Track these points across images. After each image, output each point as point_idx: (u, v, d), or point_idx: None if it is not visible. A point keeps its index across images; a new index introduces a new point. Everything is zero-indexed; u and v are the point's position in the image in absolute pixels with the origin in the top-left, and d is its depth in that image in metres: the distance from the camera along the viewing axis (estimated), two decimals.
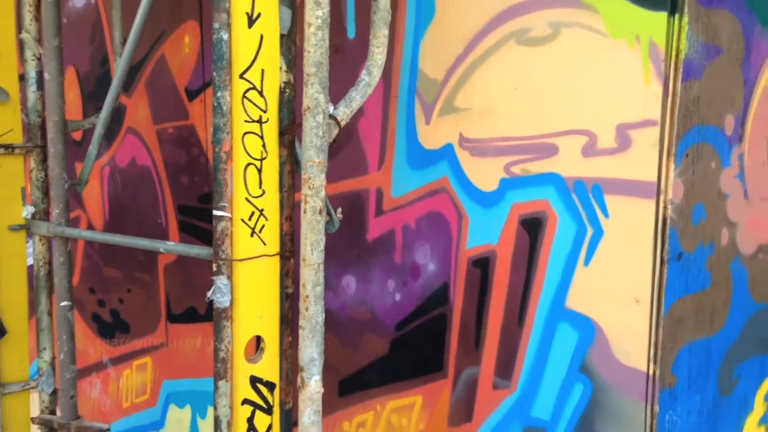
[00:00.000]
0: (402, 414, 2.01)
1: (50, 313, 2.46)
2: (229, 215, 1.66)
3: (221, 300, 1.68)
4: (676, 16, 1.45)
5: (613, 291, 1.58)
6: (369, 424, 2.10)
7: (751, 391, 1.88)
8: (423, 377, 1.95)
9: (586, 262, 1.62)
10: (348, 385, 2.14)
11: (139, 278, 2.78)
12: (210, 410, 2.60)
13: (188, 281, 2.60)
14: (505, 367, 1.77)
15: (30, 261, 2.46)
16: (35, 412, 2.50)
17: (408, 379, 1.99)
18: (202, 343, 2.60)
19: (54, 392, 2.51)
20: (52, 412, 2.52)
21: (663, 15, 1.45)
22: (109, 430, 2.47)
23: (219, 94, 1.59)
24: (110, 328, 2.95)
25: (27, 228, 2.40)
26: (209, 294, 1.68)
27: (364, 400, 2.10)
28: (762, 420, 1.96)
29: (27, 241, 2.44)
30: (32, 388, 2.50)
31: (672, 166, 1.48)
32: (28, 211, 2.39)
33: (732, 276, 1.72)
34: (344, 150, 2.03)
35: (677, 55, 1.45)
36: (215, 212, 1.66)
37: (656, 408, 1.54)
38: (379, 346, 2.04)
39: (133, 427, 2.92)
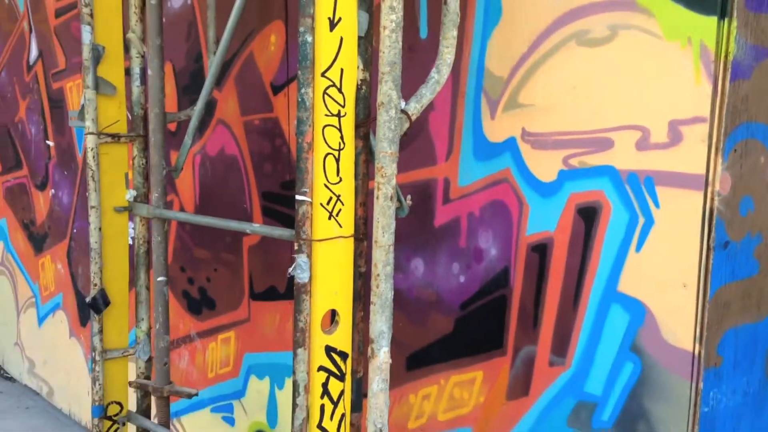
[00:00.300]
0: (464, 388, 2.16)
1: (148, 288, 2.72)
2: (310, 200, 1.84)
3: (301, 276, 1.87)
4: (726, 20, 1.54)
5: (662, 276, 1.69)
6: (433, 396, 2.26)
7: None
8: (484, 354, 2.10)
9: (638, 248, 1.73)
10: (415, 360, 2.30)
11: (225, 259, 3.02)
12: (287, 381, 2.81)
13: (270, 262, 2.81)
14: (561, 346, 1.91)
15: (130, 240, 2.73)
16: (132, 377, 2.78)
17: (470, 356, 2.14)
18: (280, 320, 2.81)
19: (149, 360, 2.77)
20: (147, 378, 2.78)
21: (713, 19, 1.55)
22: (197, 394, 2.71)
23: (303, 90, 1.77)
24: (198, 304, 3.20)
25: (129, 210, 2.66)
26: (290, 270, 1.87)
27: (429, 375, 2.26)
28: None
29: (129, 222, 2.71)
30: (130, 355, 2.77)
31: (720, 160, 1.58)
32: (130, 194, 2.65)
33: None
34: (415, 142, 2.19)
35: (726, 57, 1.55)
36: (297, 197, 1.84)
37: (701, 385, 1.65)
38: (444, 325, 2.20)
39: (217, 396, 3.17)
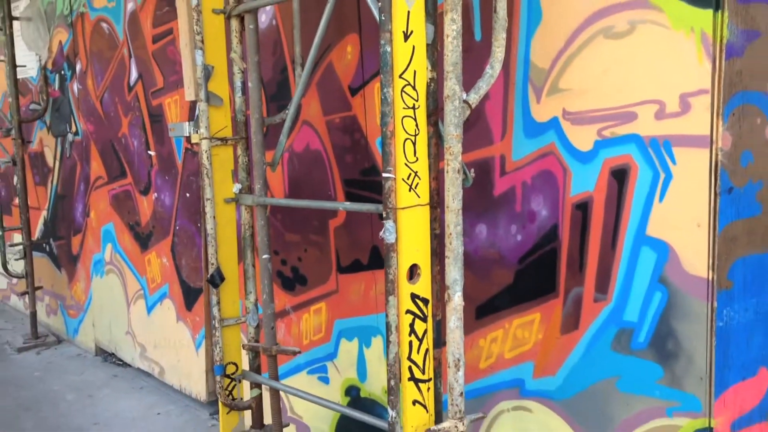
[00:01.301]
0: (525, 329, 2.60)
1: (254, 265, 3.21)
2: (394, 176, 2.30)
3: (389, 237, 2.33)
4: (720, 11, 1.95)
5: (681, 219, 2.10)
6: (500, 339, 2.70)
7: None
8: (540, 298, 2.53)
9: (660, 199, 2.14)
10: (482, 310, 2.74)
11: (313, 240, 3.52)
12: (373, 340, 3.28)
13: (353, 239, 3.29)
14: (603, 284, 2.33)
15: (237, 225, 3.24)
16: (244, 341, 3.29)
17: (528, 301, 2.57)
18: (365, 288, 3.29)
19: (257, 326, 3.28)
20: (257, 341, 3.29)
21: (710, 11, 1.96)
22: (300, 352, 3.21)
23: (385, 90, 2.23)
24: (291, 281, 3.71)
25: (236, 200, 3.17)
26: (381, 233, 2.33)
27: (495, 321, 2.70)
28: None
29: (236, 211, 3.22)
30: (242, 322, 3.28)
31: (721, 122, 1.99)
32: (237, 187, 3.15)
33: None
34: (475, 126, 2.64)
35: (721, 41, 1.96)
36: (384, 174, 2.30)
37: (715, 305, 2.05)
38: (506, 277, 2.63)
39: (312, 360, 3.66)
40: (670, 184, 2.11)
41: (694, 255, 2.08)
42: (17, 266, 6.20)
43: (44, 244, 6.27)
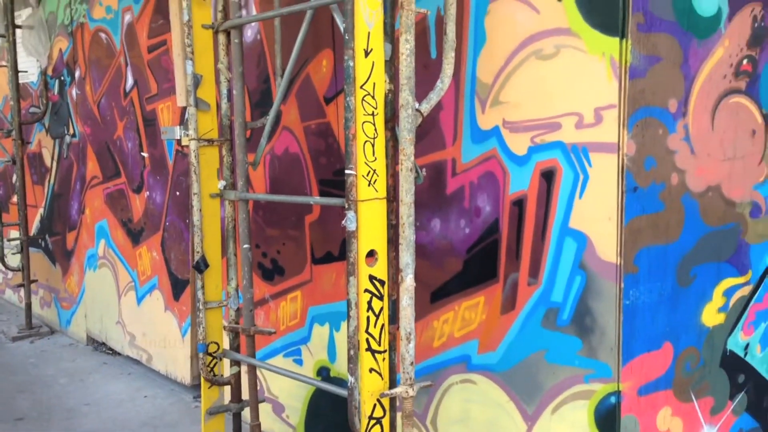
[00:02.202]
0: (471, 310, 2.96)
1: (235, 254, 3.56)
2: (355, 173, 2.66)
3: (350, 226, 2.69)
4: (625, 40, 2.34)
5: (596, 213, 2.48)
6: (450, 320, 3.06)
7: (709, 287, 2.71)
8: (484, 283, 2.89)
9: (580, 196, 2.52)
10: (436, 295, 3.11)
11: (291, 234, 3.88)
12: (342, 324, 3.63)
13: (326, 233, 3.65)
14: (534, 270, 2.70)
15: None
16: (225, 323, 3.63)
17: (474, 286, 2.93)
18: (335, 277, 3.65)
19: (237, 309, 3.63)
20: (237, 323, 3.64)
21: (617, 39, 2.35)
22: (275, 332, 3.56)
23: (348, 98, 2.60)
24: (271, 272, 4.07)
25: (221, 196, 3.52)
26: (343, 222, 2.69)
27: (446, 304, 3.07)
28: (721, 309, 2.77)
29: (220, 205, 3.57)
30: (224, 305, 3.63)
31: (626, 132, 2.37)
32: (221, 184, 3.50)
33: (684, 206, 2.57)
34: (431, 133, 3.01)
35: (626, 64, 2.34)
36: (347, 171, 2.67)
37: (622, 285, 2.43)
38: (456, 265, 3.00)
39: (288, 344, 4.01)
40: (588, 183, 2.49)
41: (606, 244, 2.46)
42: (14, 260, 6.52)
43: (40, 240, 6.60)
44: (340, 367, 3.68)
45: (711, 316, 2.75)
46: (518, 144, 2.70)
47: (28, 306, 6.35)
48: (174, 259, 4.86)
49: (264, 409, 3.95)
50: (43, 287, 6.66)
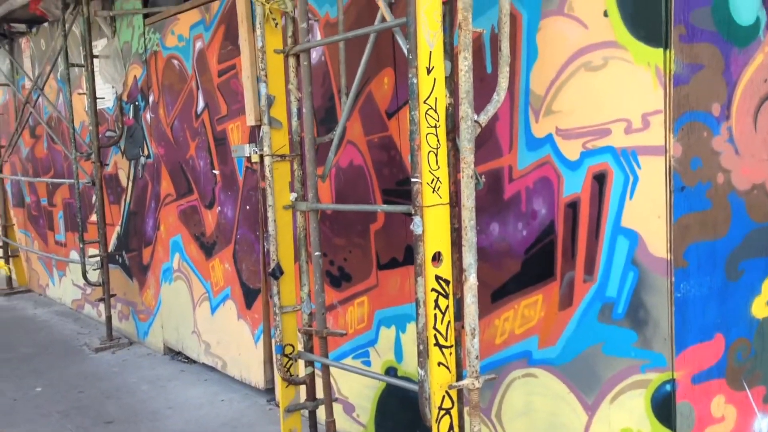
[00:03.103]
0: (530, 308, 3.15)
1: (307, 261, 3.83)
2: (420, 181, 2.89)
3: (417, 230, 2.92)
4: (668, 50, 2.52)
5: (646, 212, 2.65)
6: (511, 318, 3.26)
7: (757, 280, 2.85)
8: (541, 282, 3.09)
9: (631, 197, 2.70)
10: (496, 295, 3.31)
11: (357, 242, 4.13)
12: (408, 326, 3.86)
13: (390, 240, 3.89)
14: (589, 268, 2.88)
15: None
16: (300, 325, 3.89)
17: (533, 285, 3.13)
18: (400, 282, 3.88)
19: (310, 313, 3.89)
20: (310, 326, 3.89)
21: (661, 50, 2.54)
22: (346, 333, 3.80)
23: (413, 113, 2.83)
24: (338, 279, 4.32)
25: (293, 207, 3.79)
26: (411, 226, 2.92)
27: (507, 303, 3.27)
28: None
29: (293, 216, 3.84)
30: (298, 310, 3.89)
31: (672, 135, 2.55)
32: (293, 196, 3.77)
33: (730, 203, 2.72)
34: (488, 142, 3.23)
35: (670, 72, 2.53)
36: (413, 180, 2.89)
37: (672, 279, 2.59)
38: (514, 266, 3.20)
39: (356, 347, 4.25)
40: (638, 184, 2.67)
41: (657, 241, 2.63)
42: (93, 276, 6.94)
43: (117, 256, 7.01)
44: (407, 367, 3.90)
45: (761, 308, 2.89)
46: (571, 150, 2.89)
47: (109, 319, 6.74)
48: (245, 270, 5.16)
49: (335, 409, 4.18)
50: (121, 301, 7.06)
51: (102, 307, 6.85)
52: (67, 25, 6.53)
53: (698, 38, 2.58)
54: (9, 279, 9.38)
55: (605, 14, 2.72)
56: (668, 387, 2.65)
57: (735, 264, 2.77)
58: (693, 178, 2.62)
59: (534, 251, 3.10)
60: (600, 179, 2.80)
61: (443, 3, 2.79)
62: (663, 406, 2.68)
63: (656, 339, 2.67)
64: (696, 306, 2.67)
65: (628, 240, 2.72)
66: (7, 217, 9.37)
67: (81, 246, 6.77)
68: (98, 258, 6.72)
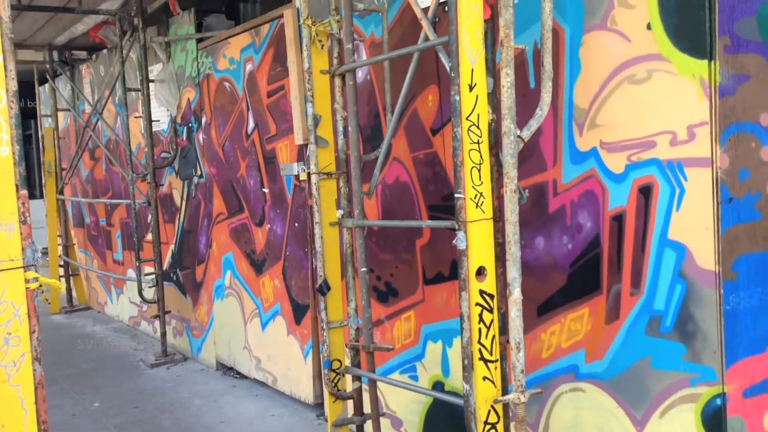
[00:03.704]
0: (577, 322, 3.14)
1: (354, 277, 3.89)
2: (463, 196, 2.92)
3: (461, 245, 2.94)
4: (713, 62, 2.51)
5: (693, 224, 2.63)
6: (557, 332, 3.25)
7: None
8: (588, 296, 3.07)
9: (677, 209, 2.68)
10: (543, 309, 3.30)
11: (403, 257, 4.17)
12: (454, 341, 3.87)
13: (436, 255, 3.92)
14: (636, 281, 2.86)
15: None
16: (347, 340, 3.94)
17: (579, 298, 3.11)
18: (446, 296, 3.89)
19: (357, 328, 3.93)
20: (357, 341, 3.94)
21: (705, 61, 2.52)
22: (393, 348, 3.83)
23: (455, 129, 2.87)
24: (385, 294, 4.36)
25: (339, 223, 3.86)
26: (454, 241, 2.94)
27: (553, 317, 3.26)
28: None
29: (339, 232, 3.91)
30: (345, 325, 3.94)
31: (718, 147, 2.52)
32: (340, 213, 3.84)
33: None
34: (532, 157, 3.24)
35: (715, 83, 2.51)
36: (456, 195, 2.93)
37: (721, 292, 2.55)
38: (560, 280, 3.19)
39: (403, 361, 4.27)
40: (684, 196, 2.65)
41: (704, 253, 2.60)
42: (149, 293, 7.12)
43: (172, 274, 7.19)
44: (453, 381, 3.90)
45: None
46: (615, 163, 2.89)
47: (163, 335, 6.91)
48: (294, 286, 5.25)
49: (383, 423, 4.21)
50: (176, 318, 7.23)
51: (157, 323, 7.02)
52: (124, 52, 6.77)
53: (744, 49, 2.56)
54: (69, 297, 9.69)
55: (648, 27, 2.72)
56: (719, 401, 2.61)
57: None
58: (741, 190, 2.58)
59: (579, 264, 3.09)
60: (645, 192, 2.78)
61: (485, 21, 2.83)
62: (713, 421, 2.63)
63: (705, 352, 2.63)
64: (746, 318, 2.63)
65: (675, 252, 2.70)
66: (68, 237, 9.69)
67: (137, 264, 6.97)
68: (153, 276, 6.90)
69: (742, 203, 2.59)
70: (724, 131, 2.53)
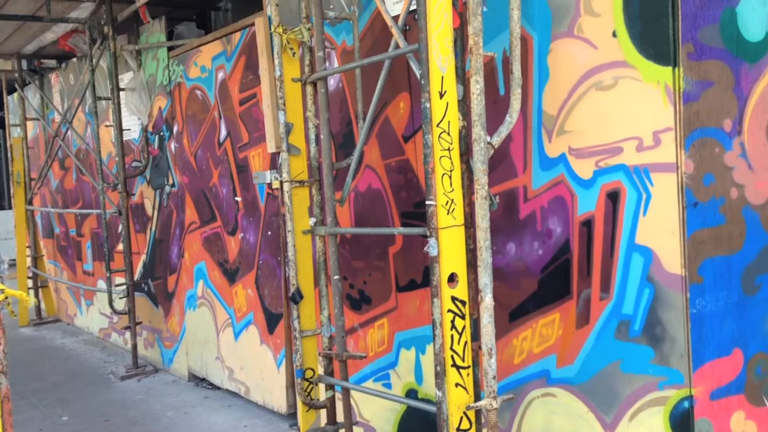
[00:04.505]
0: (548, 327, 3.16)
1: (326, 285, 3.88)
2: (435, 203, 2.93)
3: (433, 252, 2.95)
4: (677, 68, 2.55)
5: (660, 228, 2.66)
6: (529, 337, 3.27)
7: None
8: (559, 301, 3.09)
9: (644, 213, 2.71)
10: (514, 314, 3.32)
11: (376, 265, 4.17)
12: (427, 348, 3.87)
13: (409, 262, 3.92)
14: (605, 285, 2.89)
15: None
16: (320, 349, 3.92)
17: (550, 304, 3.14)
18: (419, 303, 3.90)
19: (330, 337, 3.92)
20: (330, 350, 3.93)
21: (670, 68, 2.57)
22: (366, 356, 3.82)
23: (426, 136, 2.88)
24: (358, 302, 4.36)
25: (312, 231, 3.85)
26: (426, 248, 2.96)
27: (525, 323, 3.28)
28: None
29: (312, 240, 3.90)
30: (318, 333, 3.93)
31: (683, 152, 2.57)
32: (312, 221, 3.84)
33: (745, 218, 2.72)
34: (501, 164, 3.26)
35: (679, 90, 2.55)
36: (427, 202, 2.94)
37: (688, 296, 2.59)
38: (531, 285, 3.21)
39: (377, 369, 4.27)
40: (651, 201, 2.69)
41: (671, 257, 2.64)
42: (119, 304, 7.04)
43: (143, 284, 7.11)
44: (427, 389, 3.90)
45: None
46: (584, 169, 2.92)
47: (134, 347, 6.82)
48: (268, 295, 5.22)
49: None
50: (147, 329, 7.15)
51: (128, 335, 6.94)
52: (94, 60, 6.71)
53: (707, 55, 2.60)
54: (38, 309, 9.54)
55: (614, 35, 2.76)
56: (686, 404, 2.64)
57: (752, 278, 2.77)
58: (706, 194, 2.63)
59: (550, 270, 3.12)
60: (613, 197, 2.82)
61: (454, 28, 2.86)
62: (682, 423, 2.66)
63: (673, 355, 2.67)
64: (713, 321, 2.67)
65: (642, 257, 2.73)
66: (37, 248, 9.55)
67: (108, 275, 6.89)
68: (124, 286, 6.82)
69: (706, 207, 2.63)
70: (688, 137, 2.58)
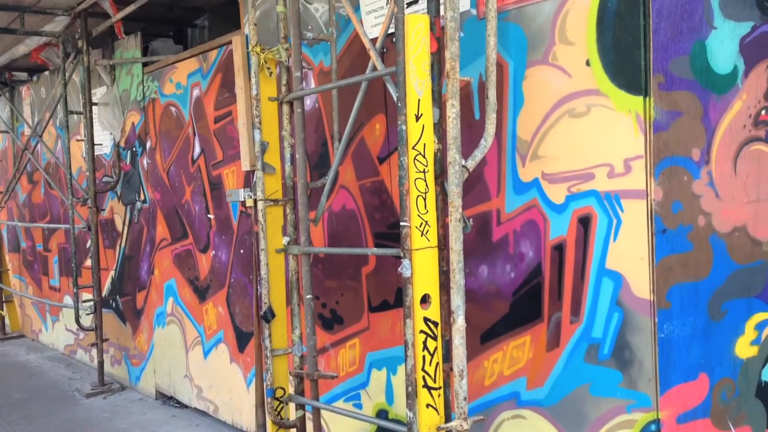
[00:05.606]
0: (519, 349, 3.19)
1: (299, 305, 3.88)
2: (409, 225, 2.96)
3: (406, 273, 2.97)
4: (648, 98, 2.62)
5: (629, 254, 2.71)
6: (500, 359, 3.29)
7: (741, 321, 2.90)
8: (529, 323, 3.13)
9: (614, 239, 2.77)
10: (485, 336, 3.34)
11: (349, 285, 4.17)
12: (399, 368, 3.88)
13: (382, 282, 3.94)
14: (576, 309, 2.93)
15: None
16: (291, 368, 3.91)
17: (521, 326, 3.17)
18: (391, 324, 3.91)
19: (302, 356, 3.91)
20: (301, 369, 3.91)
21: (641, 97, 2.63)
22: (337, 376, 3.81)
23: (402, 158, 2.91)
24: (330, 322, 4.35)
25: (285, 251, 3.86)
26: (399, 269, 2.97)
27: (496, 345, 3.30)
28: (753, 342, 2.95)
29: (285, 259, 3.90)
30: (289, 353, 3.92)
31: (653, 180, 2.63)
32: (286, 240, 3.84)
33: (712, 246, 2.79)
34: (476, 187, 3.31)
35: (650, 119, 2.62)
36: (401, 223, 2.96)
37: (656, 320, 2.64)
38: (503, 308, 3.25)
39: (348, 389, 4.26)
40: (621, 227, 2.74)
41: (640, 282, 2.69)
42: (86, 321, 6.94)
43: (111, 301, 7.02)
44: (397, 409, 3.90)
45: (744, 348, 2.93)
46: (556, 194, 2.97)
47: (101, 364, 6.72)
48: (239, 314, 5.19)
49: None
50: (114, 346, 7.05)
51: (94, 352, 6.84)
52: (67, 74, 6.67)
53: (677, 86, 2.68)
54: (2, 324, 9.36)
55: (587, 63, 2.82)
56: (653, 427, 2.68)
57: (718, 304, 2.83)
58: (674, 221, 2.69)
59: (522, 293, 3.15)
60: (585, 222, 2.87)
61: (432, 53, 2.90)
62: None
63: (641, 379, 2.71)
64: (680, 346, 2.72)
65: (612, 281, 2.78)
66: (2, 263, 9.38)
67: (75, 290, 6.79)
68: (92, 302, 6.73)
69: (675, 234, 2.69)
70: (658, 165, 2.64)
